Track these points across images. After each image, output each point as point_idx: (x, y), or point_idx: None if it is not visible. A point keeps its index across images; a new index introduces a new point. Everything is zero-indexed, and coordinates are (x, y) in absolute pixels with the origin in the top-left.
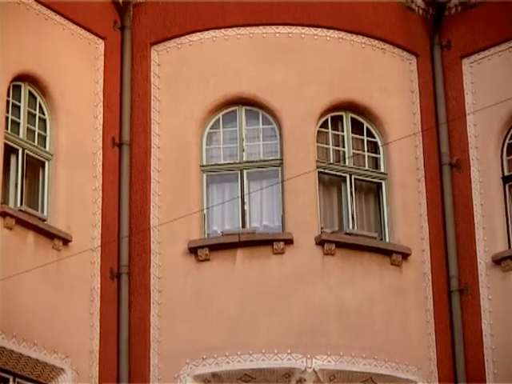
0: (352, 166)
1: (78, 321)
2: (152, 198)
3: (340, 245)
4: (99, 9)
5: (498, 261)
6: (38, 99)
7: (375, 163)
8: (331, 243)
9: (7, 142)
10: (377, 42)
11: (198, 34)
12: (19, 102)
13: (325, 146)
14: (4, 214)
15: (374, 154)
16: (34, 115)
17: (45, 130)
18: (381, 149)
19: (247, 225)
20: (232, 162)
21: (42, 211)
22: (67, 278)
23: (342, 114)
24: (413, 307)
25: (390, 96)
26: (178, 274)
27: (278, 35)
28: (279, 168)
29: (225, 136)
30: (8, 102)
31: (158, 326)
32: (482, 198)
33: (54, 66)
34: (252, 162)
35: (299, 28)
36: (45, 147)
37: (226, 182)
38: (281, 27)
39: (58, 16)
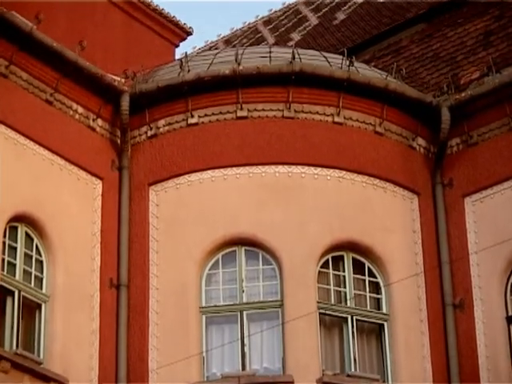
0: (354, 306)
1: None
2: (150, 341)
3: None
4: (97, 149)
5: None
6: (35, 240)
7: (377, 304)
8: None
9: (3, 283)
10: (378, 180)
11: (197, 173)
12: (15, 243)
13: (326, 286)
14: (0, 358)
15: (375, 295)
16: (31, 256)
17: (41, 272)
18: (383, 289)
19: (247, 367)
20: (231, 303)
21: (38, 354)
22: None
23: (343, 253)
24: None
25: (391, 235)
26: None
27: (277, 174)
28: (279, 309)
29: (224, 277)
30: (4, 243)
31: None
32: (486, 339)
33: (51, 207)
34: (252, 303)
35: (299, 167)
36: (41, 289)
37: (225, 324)
38: (280, 166)
39: (55, 156)
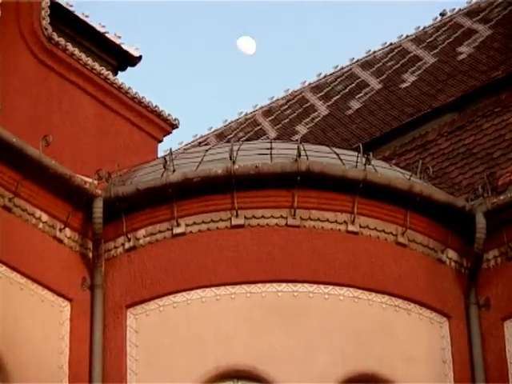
0: None
1: None
2: None
3: None
4: (64, 264)
5: None
6: None
7: None
8: None
9: None
10: (400, 301)
11: (184, 293)
12: None
13: None
14: None
15: None
16: None
17: None
18: None
19: None
20: None
21: None
22: None
23: None
24: None
25: (417, 366)
26: None
27: (280, 294)
28: None
29: None
30: None
31: None
32: None
33: (10, 334)
34: None
35: (306, 285)
36: None
37: None
38: (284, 285)
39: (14, 273)
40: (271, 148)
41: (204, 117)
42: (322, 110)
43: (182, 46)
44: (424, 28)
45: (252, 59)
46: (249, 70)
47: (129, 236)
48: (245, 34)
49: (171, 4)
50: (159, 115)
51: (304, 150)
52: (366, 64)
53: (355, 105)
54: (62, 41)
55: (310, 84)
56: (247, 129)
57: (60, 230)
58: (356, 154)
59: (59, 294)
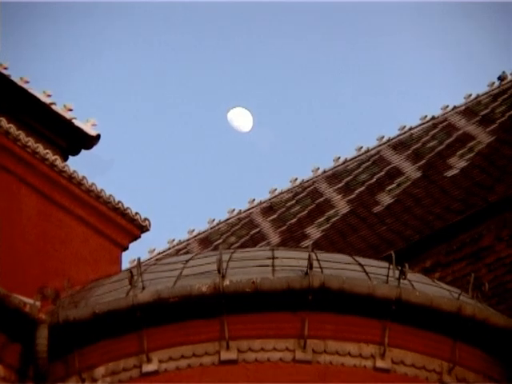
0: None
1: None
2: None
3: None
4: None
5: None
6: None
7: None
8: None
9: None
10: None
11: None
12: None
13: None
14: None
15: None
16: None
17: None
18: None
19: None
20: None
21: None
22: None
23: None
24: None
25: None
26: None
27: None
28: None
29: None
30: None
31: None
32: None
33: None
34: None
35: None
36: None
37: None
38: None
39: None
40: (273, 257)
41: (183, 216)
42: (341, 206)
43: (152, 119)
44: (477, 96)
45: (247, 137)
46: (243, 153)
47: (83, 376)
48: (238, 104)
49: (134, 65)
50: (123, 214)
51: (317, 259)
52: (399, 145)
53: (385, 199)
54: None
55: (324, 172)
56: (241, 232)
57: None
58: (387, 265)
59: None
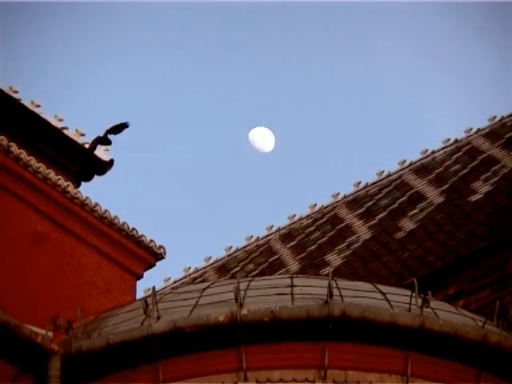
0: None
1: None
2: None
3: None
4: None
5: None
6: None
7: None
8: None
9: None
10: None
11: None
12: None
13: None
14: None
15: None
16: None
17: None
18: None
19: None
20: None
21: None
22: None
23: None
24: None
25: None
26: None
27: None
28: None
29: None
30: None
31: None
32: None
33: None
34: None
35: None
36: None
37: None
38: None
39: None
40: (292, 285)
41: (199, 243)
42: (362, 232)
43: (167, 143)
44: (502, 118)
45: (268, 159)
46: (262, 176)
47: None
48: (260, 124)
49: (149, 89)
50: (138, 242)
51: (337, 287)
52: (421, 169)
53: (408, 225)
54: (3, 140)
55: (344, 196)
56: (259, 259)
57: None
58: (409, 292)
59: None
